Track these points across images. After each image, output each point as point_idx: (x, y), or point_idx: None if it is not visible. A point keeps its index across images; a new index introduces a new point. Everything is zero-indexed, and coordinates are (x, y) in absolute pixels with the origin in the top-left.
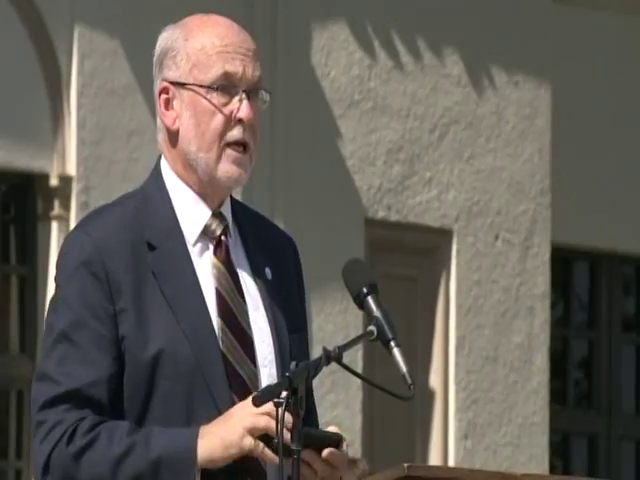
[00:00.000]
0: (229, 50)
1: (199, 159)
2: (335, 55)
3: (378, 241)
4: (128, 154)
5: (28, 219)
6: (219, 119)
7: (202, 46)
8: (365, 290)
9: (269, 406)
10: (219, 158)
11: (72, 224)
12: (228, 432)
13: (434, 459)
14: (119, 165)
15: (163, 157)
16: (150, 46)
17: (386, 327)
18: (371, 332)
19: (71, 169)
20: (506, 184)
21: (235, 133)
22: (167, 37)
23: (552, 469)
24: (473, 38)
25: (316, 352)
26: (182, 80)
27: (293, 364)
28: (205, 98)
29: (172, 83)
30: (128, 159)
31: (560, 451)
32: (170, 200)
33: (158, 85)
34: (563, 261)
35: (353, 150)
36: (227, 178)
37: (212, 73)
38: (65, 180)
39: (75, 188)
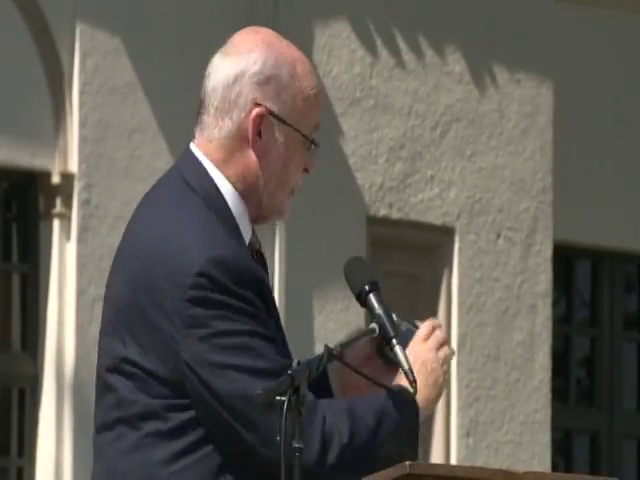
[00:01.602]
0: (318, 98)
1: (275, 195)
2: (337, 53)
3: (380, 239)
4: (130, 152)
5: (30, 217)
6: (300, 172)
7: (306, 94)
8: (367, 288)
9: (444, 347)
10: (286, 201)
11: (74, 222)
12: (435, 383)
13: (436, 457)
14: (121, 163)
15: (208, 158)
16: (152, 44)
17: (388, 325)
18: (373, 329)
19: (73, 167)
20: (508, 182)
21: (299, 182)
22: (273, 63)
23: (554, 467)
24: (475, 36)
25: (318, 350)
26: (287, 120)
27: (295, 362)
28: (301, 148)
29: (271, 114)
30: (130, 157)
31: (562, 449)
32: (231, 212)
33: (251, 102)
34: (565, 259)
35: (355, 148)
36: (279, 218)
37: (310, 123)
38: (67, 178)
39: (77, 186)
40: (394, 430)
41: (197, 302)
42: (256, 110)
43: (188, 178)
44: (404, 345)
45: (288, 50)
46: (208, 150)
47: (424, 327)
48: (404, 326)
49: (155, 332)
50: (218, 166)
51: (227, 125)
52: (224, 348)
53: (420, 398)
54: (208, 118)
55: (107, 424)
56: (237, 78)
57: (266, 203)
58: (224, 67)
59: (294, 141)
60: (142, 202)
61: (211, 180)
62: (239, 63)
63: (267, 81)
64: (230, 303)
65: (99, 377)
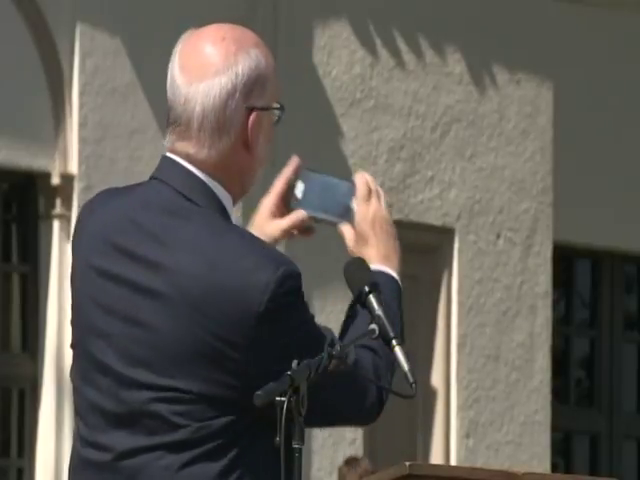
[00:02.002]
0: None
1: (258, 175)
2: (337, 54)
3: None
4: (130, 153)
5: (30, 218)
6: None
7: (274, 69)
8: (367, 289)
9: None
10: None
11: (74, 223)
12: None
13: (436, 458)
14: (121, 164)
15: (202, 170)
16: (152, 45)
17: (388, 326)
18: (373, 330)
19: (73, 168)
20: (508, 182)
21: None
22: (255, 64)
23: (554, 467)
24: (474, 37)
25: None
26: (270, 105)
27: (295, 363)
28: (273, 119)
29: (262, 109)
30: (130, 158)
31: (562, 450)
32: (230, 216)
33: (246, 110)
34: (565, 259)
35: (355, 149)
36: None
37: (278, 92)
38: (67, 179)
39: (77, 187)
40: (399, 317)
41: (269, 323)
42: (252, 116)
43: (193, 197)
44: (328, 197)
45: (252, 39)
46: (202, 164)
47: (360, 185)
48: (317, 176)
49: (211, 358)
50: (215, 175)
51: (225, 141)
52: (300, 354)
53: (394, 265)
54: (199, 139)
55: (145, 448)
56: (229, 97)
57: (250, 184)
58: (211, 89)
59: (272, 117)
60: (137, 231)
61: (213, 193)
62: (227, 82)
63: (254, 83)
64: (298, 315)
65: (128, 406)
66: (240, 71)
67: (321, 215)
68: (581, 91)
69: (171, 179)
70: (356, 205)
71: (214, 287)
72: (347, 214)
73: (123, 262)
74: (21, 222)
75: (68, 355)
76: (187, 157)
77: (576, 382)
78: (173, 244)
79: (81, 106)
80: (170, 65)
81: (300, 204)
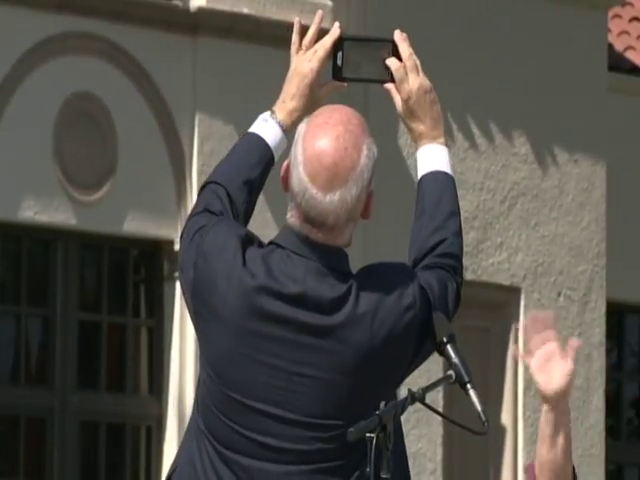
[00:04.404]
0: None
1: None
2: None
3: None
4: None
5: (156, 279)
6: None
7: None
8: (445, 339)
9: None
10: None
11: None
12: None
13: None
14: None
15: (341, 245)
16: None
17: (463, 371)
18: (450, 376)
19: None
20: (567, 248)
21: None
22: (372, 156)
23: None
24: (538, 122)
25: (402, 392)
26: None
27: (382, 404)
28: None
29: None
30: None
31: (615, 479)
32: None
33: (367, 190)
34: (616, 314)
35: None
36: None
37: None
38: None
39: None
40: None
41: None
42: (371, 197)
43: (338, 267)
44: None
45: (362, 130)
46: (340, 241)
47: (396, 69)
48: (354, 43)
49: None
50: (344, 245)
51: (352, 224)
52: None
53: (440, 129)
54: (333, 231)
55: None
56: (358, 200)
57: None
58: (344, 199)
59: None
60: (292, 300)
61: (348, 258)
62: (356, 190)
63: (373, 172)
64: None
65: (299, 444)
66: (365, 174)
67: (363, 76)
68: (630, 169)
69: (313, 256)
70: (399, 84)
71: (379, 333)
72: (387, 72)
73: (284, 326)
74: (148, 283)
75: (189, 397)
76: (323, 241)
77: (627, 421)
78: (334, 309)
79: (200, 184)
80: (293, 161)
81: (342, 72)
